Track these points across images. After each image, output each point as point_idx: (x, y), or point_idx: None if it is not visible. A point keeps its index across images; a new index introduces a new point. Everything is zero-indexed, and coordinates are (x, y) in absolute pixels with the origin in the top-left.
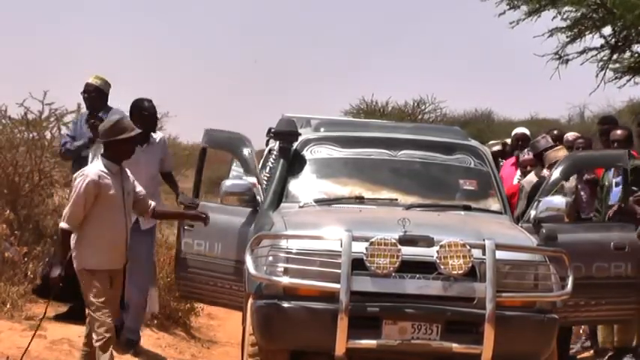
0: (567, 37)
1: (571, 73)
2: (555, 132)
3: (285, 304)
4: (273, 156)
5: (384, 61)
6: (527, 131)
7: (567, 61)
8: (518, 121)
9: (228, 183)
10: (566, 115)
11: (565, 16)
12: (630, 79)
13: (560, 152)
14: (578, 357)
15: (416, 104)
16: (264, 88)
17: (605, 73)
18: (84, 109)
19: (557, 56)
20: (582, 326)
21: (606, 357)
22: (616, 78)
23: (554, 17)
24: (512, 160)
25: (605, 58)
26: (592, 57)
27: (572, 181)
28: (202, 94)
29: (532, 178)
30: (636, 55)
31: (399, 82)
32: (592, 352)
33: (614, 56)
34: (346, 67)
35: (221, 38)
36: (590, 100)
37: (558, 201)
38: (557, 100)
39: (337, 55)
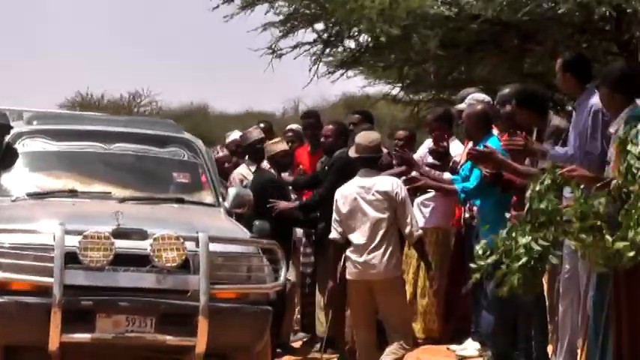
0: (280, 31)
1: (285, 68)
2: (263, 125)
3: None
4: None
5: (99, 53)
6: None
7: (281, 55)
8: (234, 115)
9: None
10: (280, 109)
11: (278, 11)
12: (343, 74)
13: (280, 145)
14: None
15: (131, 97)
16: None
17: (318, 68)
18: None
19: (270, 50)
20: None
21: None
22: (329, 72)
23: (267, 12)
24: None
25: (318, 52)
26: (305, 52)
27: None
28: None
29: (242, 170)
30: (348, 50)
31: (116, 74)
32: None
33: (327, 51)
34: (60, 60)
35: None
36: (305, 94)
37: (245, 191)
38: (272, 94)
39: (48, 47)
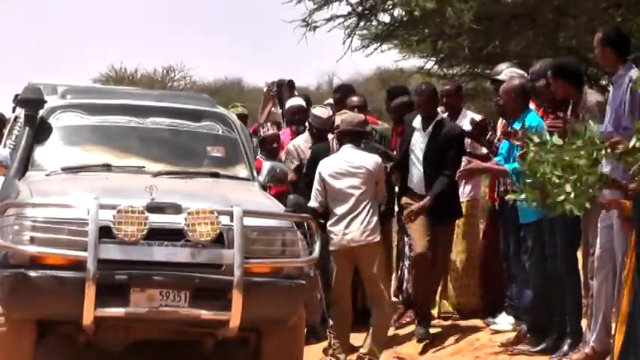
0: (315, 4)
1: (319, 42)
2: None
3: (32, 273)
4: (19, 124)
5: (132, 28)
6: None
7: (315, 27)
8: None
9: None
10: (314, 83)
11: None
12: (377, 48)
13: (344, 116)
14: None
15: (165, 72)
16: (11, 55)
17: (352, 41)
18: None
19: (304, 23)
20: None
21: None
22: (363, 46)
23: None
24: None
25: (352, 25)
26: (339, 24)
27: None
28: None
29: (299, 141)
30: (383, 23)
31: (149, 49)
32: None
33: (361, 24)
34: (94, 34)
35: None
36: (339, 68)
37: (279, 165)
38: (306, 68)
39: (82, 22)
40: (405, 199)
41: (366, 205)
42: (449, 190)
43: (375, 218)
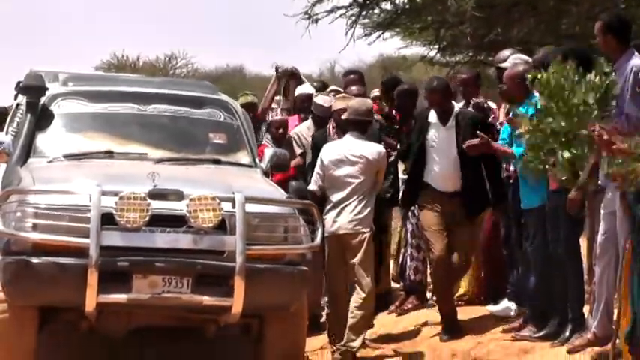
0: None
1: (321, 31)
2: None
3: (34, 260)
4: (21, 111)
5: (133, 14)
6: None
7: (317, 20)
8: (270, 76)
9: None
10: (317, 70)
11: None
12: (380, 36)
13: (352, 102)
14: None
15: (167, 59)
16: (13, 40)
17: (354, 31)
18: None
19: (306, 16)
20: None
21: None
22: (365, 35)
23: None
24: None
25: (354, 15)
26: (341, 15)
27: None
28: None
29: (302, 129)
30: (385, 12)
31: (151, 36)
32: None
33: (363, 13)
34: (96, 22)
35: None
36: (341, 55)
37: (281, 152)
38: (307, 56)
39: (84, 9)
40: (428, 200)
41: (360, 195)
42: (482, 184)
43: (368, 210)
